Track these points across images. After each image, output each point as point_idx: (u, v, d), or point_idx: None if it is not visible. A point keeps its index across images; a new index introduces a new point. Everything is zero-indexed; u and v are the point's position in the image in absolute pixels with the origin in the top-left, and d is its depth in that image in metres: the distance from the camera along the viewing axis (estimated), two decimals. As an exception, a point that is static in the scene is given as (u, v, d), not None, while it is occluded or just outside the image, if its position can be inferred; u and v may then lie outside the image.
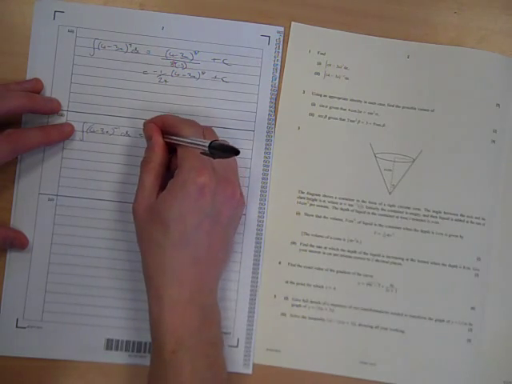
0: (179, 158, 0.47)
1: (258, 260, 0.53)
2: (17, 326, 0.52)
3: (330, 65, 0.55)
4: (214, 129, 0.53)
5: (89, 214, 0.53)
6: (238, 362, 0.52)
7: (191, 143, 0.46)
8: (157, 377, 0.45)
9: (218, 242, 0.48)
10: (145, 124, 0.50)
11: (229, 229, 0.50)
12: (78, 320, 0.52)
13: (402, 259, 0.54)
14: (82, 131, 0.53)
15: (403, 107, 0.55)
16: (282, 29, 0.55)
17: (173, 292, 0.45)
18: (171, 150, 0.49)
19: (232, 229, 0.51)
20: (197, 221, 0.45)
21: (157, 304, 0.45)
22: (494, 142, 0.55)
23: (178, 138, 0.47)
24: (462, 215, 0.54)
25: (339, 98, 0.55)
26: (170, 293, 0.45)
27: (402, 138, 0.55)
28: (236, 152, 0.43)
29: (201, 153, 0.44)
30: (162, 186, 0.47)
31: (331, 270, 0.54)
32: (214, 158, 0.43)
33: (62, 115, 0.53)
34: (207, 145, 0.43)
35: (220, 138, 0.49)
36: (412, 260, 0.54)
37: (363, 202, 0.54)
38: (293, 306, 0.53)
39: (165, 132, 0.49)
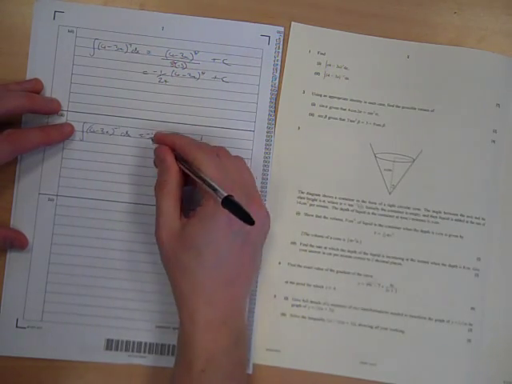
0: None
1: (258, 260, 0.53)
2: (17, 326, 0.52)
3: (330, 65, 0.55)
4: (214, 129, 0.53)
5: (89, 214, 0.53)
6: (238, 362, 0.52)
7: (206, 184, 0.45)
8: None
9: (248, 260, 0.48)
10: (155, 137, 0.51)
11: (257, 245, 0.50)
12: (78, 320, 0.52)
13: (402, 259, 0.54)
14: (82, 131, 0.53)
15: (403, 107, 0.55)
16: (282, 29, 0.55)
17: (206, 312, 0.45)
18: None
19: (260, 245, 0.51)
20: (228, 244, 0.46)
21: (190, 324, 0.45)
22: (494, 141, 0.55)
23: (194, 172, 0.46)
24: (461, 215, 0.54)
25: (339, 98, 0.55)
26: (203, 313, 0.45)
27: (402, 137, 0.55)
28: (251, 222, 0.42)
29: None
30: (180, 207, 0.48)
31: (331, 270, 0.54)
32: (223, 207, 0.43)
33: (62, 115, 0.53)
34: (221, 198, 0.43)
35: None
36: (412, 260, 0.54)
37: (363, 201, 0.54)
38: (293, 306, 0.53)
39: (176, 153, 0.49)
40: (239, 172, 0.49)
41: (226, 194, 0.42)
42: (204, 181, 0.45)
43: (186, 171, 0.47)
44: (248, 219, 0.42)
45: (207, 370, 0.44)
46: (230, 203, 0.42)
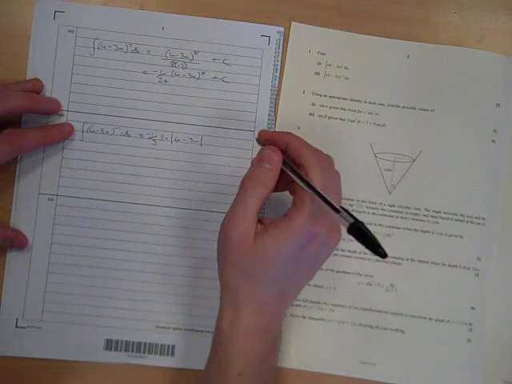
0: (297, 195, 0.44)
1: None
2: (16, 326, 0.52)
3: (330, 65, 0.55)
4: (215, 129, 0.53)
5: (88, 214, 0.53)
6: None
7: (323, 198, 0.41)
8: None
9: (305, 280, 0.47)
10: (262, 136, 0.48)
11: (319, 267, 0.47)
12: (78, 320, 0.52)
13: (402, 259, 0.54)
14: (82, 131, 0.53)
15: (403, 107, 0.55)
16: (282, 29, 0.55)
17: (252, 320, 0.44)
18: None
19: (321, 266, 0.48)
20: (298, 264, 0.44)
21: (232, 325, 0.44)
22: (494, 141, 0.55)
23: (307, 182, 0.43)
24: (461, 215, 0.54)
25: (339, 98, 0.55)
26: (248, 320, 0.44)
27: (402, 138, 0.55)
28: (383, 255, 0.37)
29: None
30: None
31: (331, 270, 0.54)
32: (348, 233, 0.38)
33: (62, 115, 0.53)
34: (348, 224, 0.38)
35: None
36: (412, 260, 0.54)
37: (363, 201, 0.54)
38: (293, 305, 0.53)
39: (283, 151, 0.46)
40: (334, 189, 0.46)
41: (353, 220, 0.38)
42: (320, 196, 0.41)
43: (292, 175, 0.44)
44: (379, 251, 0.37)
45: (243, 375, 0.43)
46: (358, 230, 0.38)
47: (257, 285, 0.44)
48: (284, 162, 0.45)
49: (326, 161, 0.46)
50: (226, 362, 0.44)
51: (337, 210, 0.40)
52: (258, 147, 0.54)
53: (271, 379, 0.46)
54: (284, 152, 0.46)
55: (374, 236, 0.38)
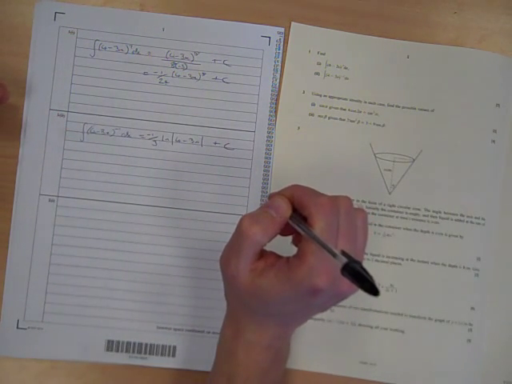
0: (303, 244, 0.40)
1: (258, 260, 0.53)
2: (17, 327, 0.52)
3: (329, 65, 0.55)
4: (215, 130, 0.53)
5: (89, 215, 0.53)
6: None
7: (322, 245, 0.38)
8: None
9: (312, 316, 0.45)
10: (272, 195, 0.43)
11: (326, 309, 0.44)
12: (79, 321, 0.52)
13: (402, 259, 0.54)
14: (83, 132, 0.53)
15: (403, 107, 0.55)
16: (282, 29, 0.55)
17: (253, 337, 0.43)
18: None
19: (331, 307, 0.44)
20: (296, 310, 0.42)
21: (235, 338, 0.43)
22: (493, 141, 0.55)
23: (309, 232, 0.40)
24: (461, 215, 0.54)
25: (339, 98, 0.55)
26: (249, 337, 0.43)
27: (402, 137, 0.55)
28: (375, 292, 0.35)
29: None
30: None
31: (331, 270, 0.54)
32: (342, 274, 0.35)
33: (62, 116, 0.53)
34: (341, 265, 0.35)
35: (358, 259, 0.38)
36: (412, 260, 0.54)
37: (363, 202, 0.54)
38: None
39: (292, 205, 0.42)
40: (352, 234, 0.41)
41: (346, 260, 0.35)
42: (321, 243, 0.38)
43: (297, 227, 0.41)
44: (373, 291, 0.35)
45: None
46: (352, 271, 0.35)
47: (256, 315, 0.43)
48: (292, 216, 0.42)
49: (335, 207, 0.41)
50: (231, 373, 0.43)
51: (333, 254, 0.37)
52: (258, 148, 0.54)
53: None
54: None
55: (369, 275, 0.36)
